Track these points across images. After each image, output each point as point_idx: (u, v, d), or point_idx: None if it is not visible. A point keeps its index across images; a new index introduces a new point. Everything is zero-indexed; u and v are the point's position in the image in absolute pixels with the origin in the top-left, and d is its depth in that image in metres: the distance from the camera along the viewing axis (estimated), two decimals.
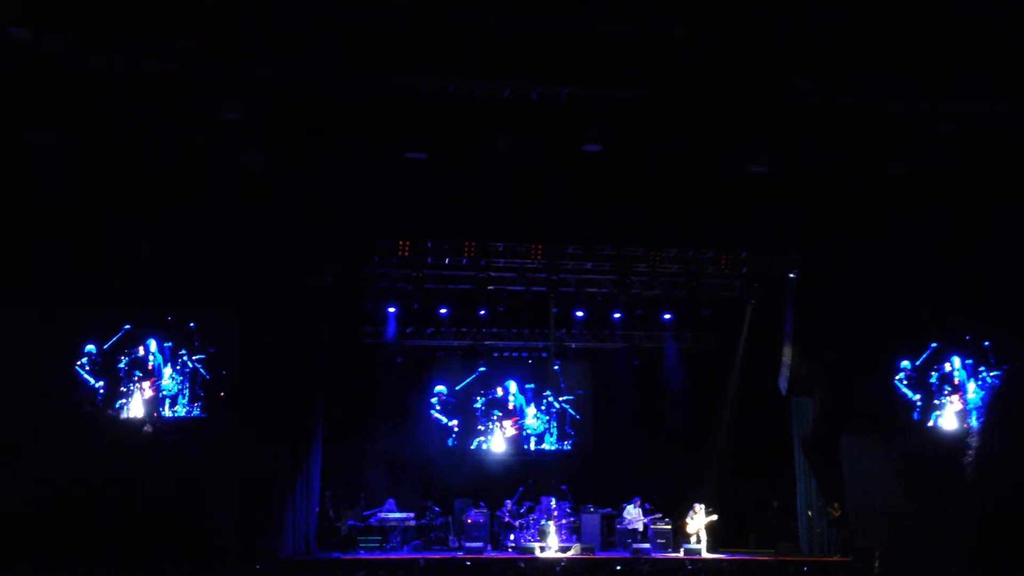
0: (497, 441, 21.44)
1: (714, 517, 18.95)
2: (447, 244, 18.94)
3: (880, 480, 18.02)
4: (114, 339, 17.44)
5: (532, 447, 21.53)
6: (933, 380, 19.43)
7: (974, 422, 18.91)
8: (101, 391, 16.78)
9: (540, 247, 19.01)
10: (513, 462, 21.23)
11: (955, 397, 19.39)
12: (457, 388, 21.58)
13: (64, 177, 15.10)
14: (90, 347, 17.14)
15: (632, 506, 19.48)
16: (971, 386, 19.41)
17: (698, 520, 18.99)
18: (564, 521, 19.24)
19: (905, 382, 19.25)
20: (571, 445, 21.74)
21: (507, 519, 19.37)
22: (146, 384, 17.50)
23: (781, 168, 15.92)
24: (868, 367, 18.67)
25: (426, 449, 21.05)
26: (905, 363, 19.18)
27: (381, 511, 19.17)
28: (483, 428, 21.47)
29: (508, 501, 19.55)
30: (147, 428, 15.53)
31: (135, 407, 17.18)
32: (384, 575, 14.63)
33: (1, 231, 15.45)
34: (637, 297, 20.43)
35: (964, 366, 19.45)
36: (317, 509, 18.43)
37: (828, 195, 16.66)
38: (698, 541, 18.81)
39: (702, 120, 14.49)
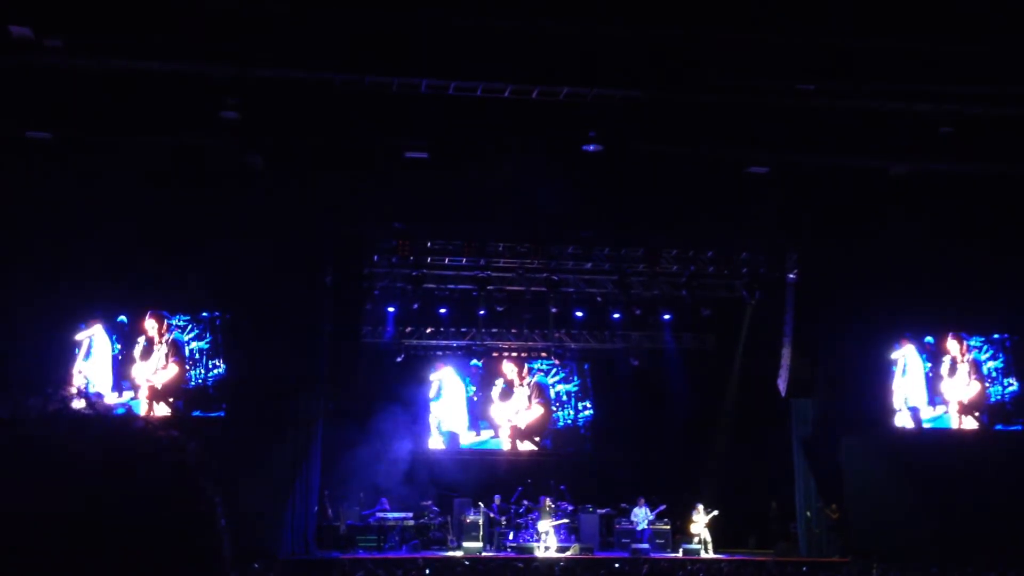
0: (495, 441, 21.46)
1: (715, 513, 18.98)
2: (447, 244, 18.92)
3: (880, 481, 18.00)
4: (114, 336, 17.53)
5: (531, 447, 21.53)
6: (934, 379, 19.44)
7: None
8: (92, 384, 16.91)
9: (540, 247, 19.01)
10: (512, 462, 21.21)
11: (955, 396, 19.40)
12: (457, 388, 21.56)
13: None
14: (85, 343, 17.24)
15: (638, 507, 19.41)
16: (973, 386, 19.42)
17: (701, 520, 19.00)
18: (563, 521, 19.22)
19: (904, 382, 19.28)
20: (570, 445, 21.73)
21: (494, 515, 19.24)
22: (145, 387, 17.58)
23: (781, 169, 15.92)
24: (867, 368, 18.67)
25: (425, 448, 21.04)
26: (905, 364, 19.22)
27: (377, 510, 19.13)
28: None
29: (497, 496, 19.46)
30: (138, 424, 15.49)
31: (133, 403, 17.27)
32: (383, 574, 14.62)
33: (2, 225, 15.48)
34: (636, 297, 20.42)
35: (965, 365, 19.45)
36: (316, 508, 18.41)
37: (828, 196, 16.67)
38: (701, 541, 18.82)
39: (702, 121, 14.49)
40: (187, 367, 17.58)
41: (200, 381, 17.57)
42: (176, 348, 17.57)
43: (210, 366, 17.60)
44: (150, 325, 17.61)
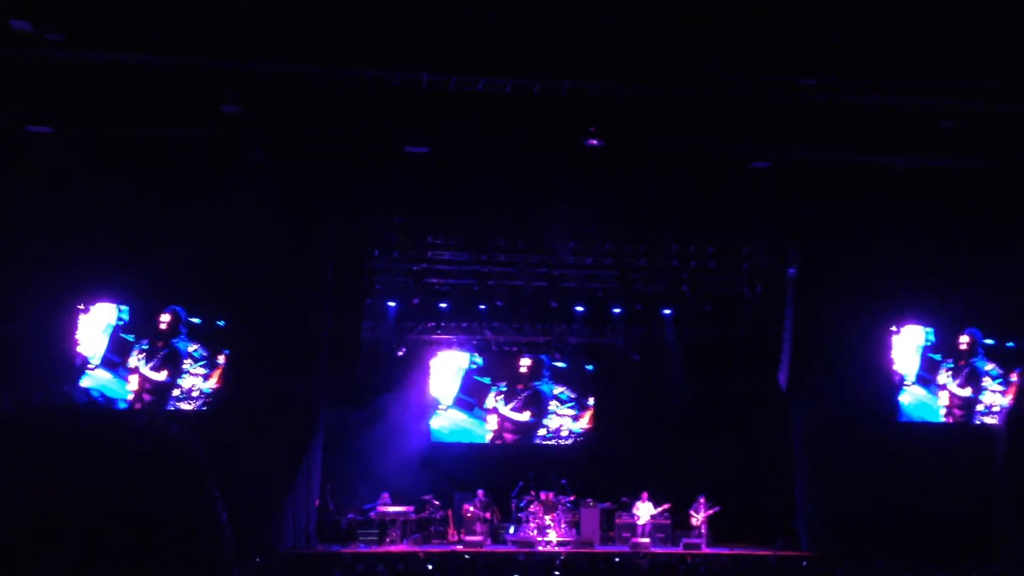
0: (496, 435, 21.49)
1: (717, 508, 19.01)
2: (448, 239, 18.92)
3: (881, 475, 17.99)
4: (114, 330, 17.57)
5: (532, 442, 21.57)
6: (936, 375, 19.47)
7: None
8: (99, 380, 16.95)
9: (540, 242, 19.02)
10: (513, 456, 21.23)
11: (958, 392, 19.44)
12: (458, 383, 21.58)
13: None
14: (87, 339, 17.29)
15: (641, 502, 19.38)
16: (975, 382, 19.46)
17: (701, 512, 19.03)
18: (563, 515, 19.23)
19: (905, 377, 19.33)
20: (571, 440, 21.75)
21: (476, 509, 19.19)
22: (136, 376, 17.66)
23: (782, 164, 15.91)
24: (868, 363, 18.67)
25: (426, 443, 21.07)
26: (906, 358, 19.27)
27: (378, 504, 19.13)
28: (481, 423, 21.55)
29: (480, 491, 19.44)
30: (141, 419, 15.53)
31: (134, 398, 17.35)
32: (384, 568, 14.63)
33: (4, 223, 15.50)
34: (637, 292, 20.42)
35: (967, 362, 19.49)
36: (317, 502, 18.45)
37: (829, 191, 16.66)
38: (700, 534, 18.84)
39: (704, 115, 14.48)
40: (177, 384, 17.67)
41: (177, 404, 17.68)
42: (174, 358, 17.65)
43: (197, 393, 17.71)
44: (164, 319, 17.69)
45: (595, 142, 14.78)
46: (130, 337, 17.61)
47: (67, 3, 12.31)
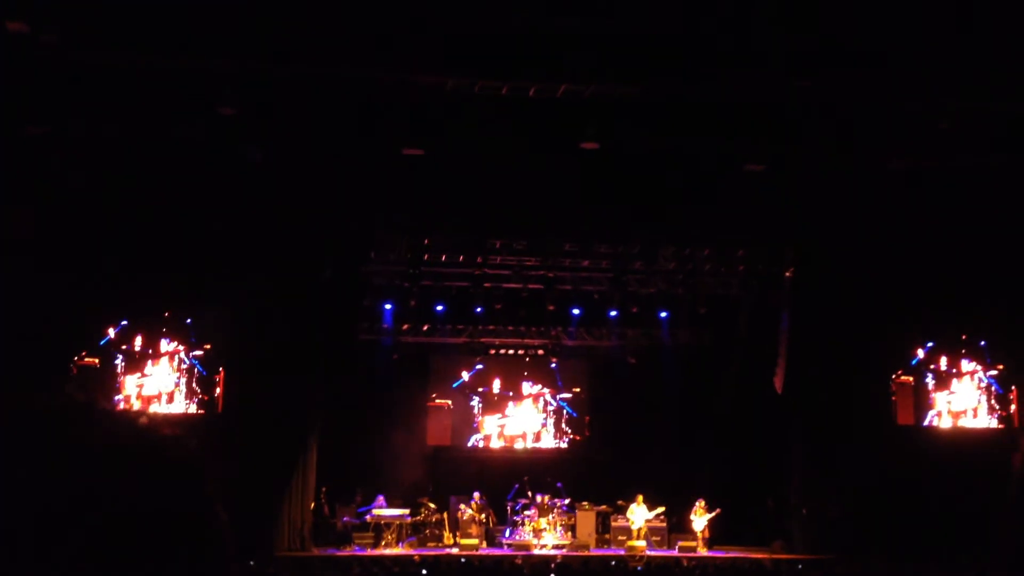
0: (492, 438, 21.48)
1: (718, 511, 19.01)
2: (444, 241, 18.92)
3: (876, 478, 18.01)
4: (111, 334, 17.55)
5: (528, 444, 21.57)
6: (929, 379, 19.50)
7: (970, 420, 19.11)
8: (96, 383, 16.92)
9: (536, 244, 19.02)
10: (509, 459, 21.23)
11: (951, 396, 19.47)
12: (454, 386, 21.58)
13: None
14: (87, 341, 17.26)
15: (636, 505, 19.39)
16: (967, 385, 19.49)
17: (701, 515, 19.02)
18: (559, 518, 19.23)
19: (901, 380, 19.35)
20: (567, 442, 21.75)
21: (472, 512, 19.17)
22: (136, 378, 17.64)
23: (778, 166, 15.92)
24: (864, 365, 18.69)
25: (422, 445, 21.05)
26: (901, 361, 19.30)
27: (373, 507, 19.11)
28: (478, 426, 21.54)
29: (475, 494, 19.44)
30: (142, 420, 15.55)
31: (130, 401, 17.33)
32: (379, 572, 14.62)
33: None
34: (633, 295, 20.43)
35: (960, 365, 19.53)
36: (313, 505, 18.43)
37: (825, 193, 16.68)
38: (696, 537, 18.84)
39: (699, 117, 14.48)
40: (194, 374, 17.74)
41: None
42: (170, 360, 17.72)
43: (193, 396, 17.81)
44: (164, 347, 17.74)
45: (591, 144, 14.77)
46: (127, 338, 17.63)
47: (65, 3, 12.28)
